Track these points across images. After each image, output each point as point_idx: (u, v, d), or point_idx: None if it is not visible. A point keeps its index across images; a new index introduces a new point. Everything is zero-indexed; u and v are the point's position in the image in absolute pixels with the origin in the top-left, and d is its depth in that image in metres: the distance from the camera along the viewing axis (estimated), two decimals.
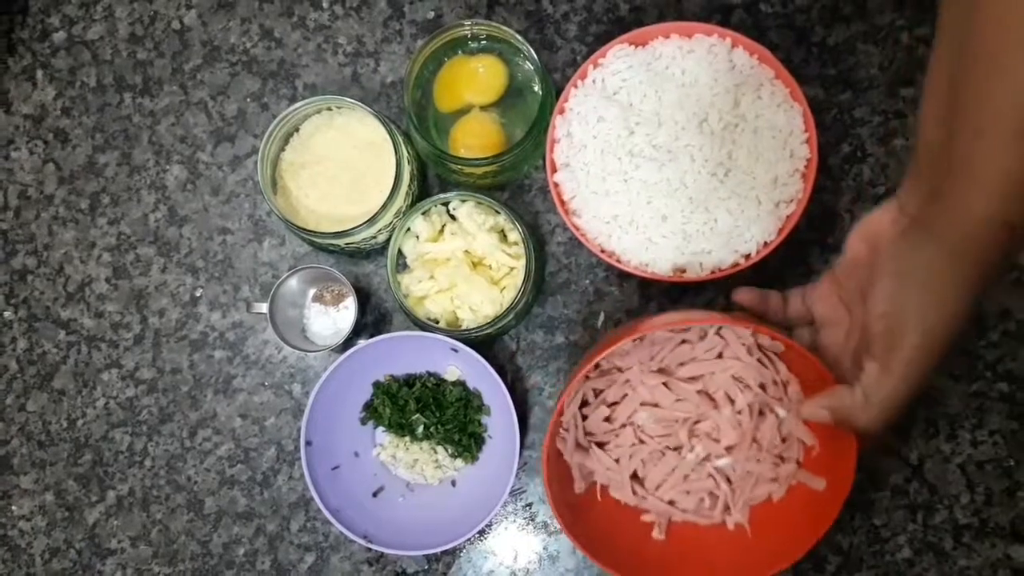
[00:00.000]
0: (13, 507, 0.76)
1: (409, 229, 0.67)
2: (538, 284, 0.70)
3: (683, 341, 0.60)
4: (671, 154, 0.61)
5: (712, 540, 0.62)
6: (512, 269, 0.67)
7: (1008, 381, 0.68)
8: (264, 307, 0.70)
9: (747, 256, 0.62)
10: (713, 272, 0.62)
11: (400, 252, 0.68)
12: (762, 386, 0.59)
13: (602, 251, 0.63)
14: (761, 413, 0.60)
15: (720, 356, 0.60)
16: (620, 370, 0.62)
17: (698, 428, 0.61)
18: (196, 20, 0.78)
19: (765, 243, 0.61)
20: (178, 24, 0.78)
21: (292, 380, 0.75)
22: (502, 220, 0.67)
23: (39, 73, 0.79)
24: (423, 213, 0.67)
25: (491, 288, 0.66)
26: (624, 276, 0.71)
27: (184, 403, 0.75)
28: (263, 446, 0.74)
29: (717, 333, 0.59)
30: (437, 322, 0.66)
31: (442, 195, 0.67)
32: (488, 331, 0.65)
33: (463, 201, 0.66)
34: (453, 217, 0.68)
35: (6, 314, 0.77)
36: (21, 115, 0.79)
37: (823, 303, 0.57)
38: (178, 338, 0.76)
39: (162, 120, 0.77)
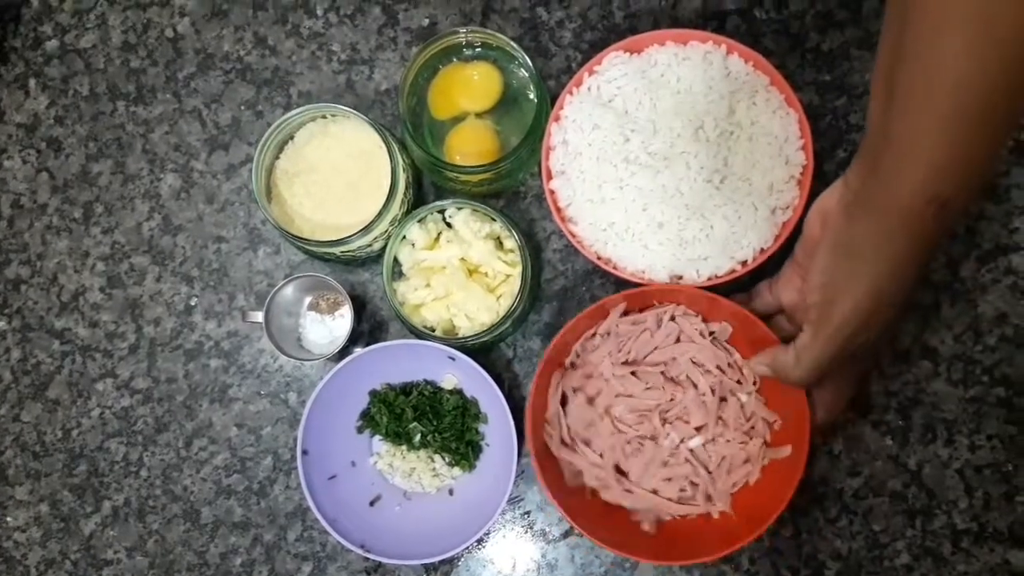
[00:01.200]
0: (8, 518, 0.75)
1: (405, 237, 0.67)
2: (534, 291, 0.70)
3: (643, 331, 0.65)
4: (667, 161, 0.61)
5: (699, 526, 0.65)
6: (508, 277, 0.67)
7: (1005, 386, 0.68)
8: (259, 316, 0.70)
9: (744, 263, 0.61)
10: (710, 279, 0.62)
11: (396, 260, 0.68)
12: (719, 368, 0.64)
13: (598, 258, 0.63)
14: (724, 399, 0.64)
15: (678, 340, 0.65)
16: (594, 364, 0.65)
17: (669, 414, 0.64)
18: (189, 28, 0.78)
19: (762, 250, 0.61)
20: (171, 32, 0.78)
21: (288, 389, 0.74)
22: (498, 228, 0.66)
23: (32, 82, 0.78)
24: (419, 221, 0.67)
25: (487, 296, 0.66)
26: (621, 283, 0.71)
27: (179, 413, 0.75)
28: (259, 455, 0.74)
29: (672, 319, 0.64)
30: (433, 330, 0.66)
31: (438, 203, 0.66)
32: (485, 339, 0.65)
33: (459, 209, 0.66)
34: (449, 225, 0.68)
35: (0, 324, 0.77)
36: (14, 124, 0.78)
37: (788, 289, 0.59)
38: (173, 347, 0.75)
39: (156, 128, 0.77)
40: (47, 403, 0.76)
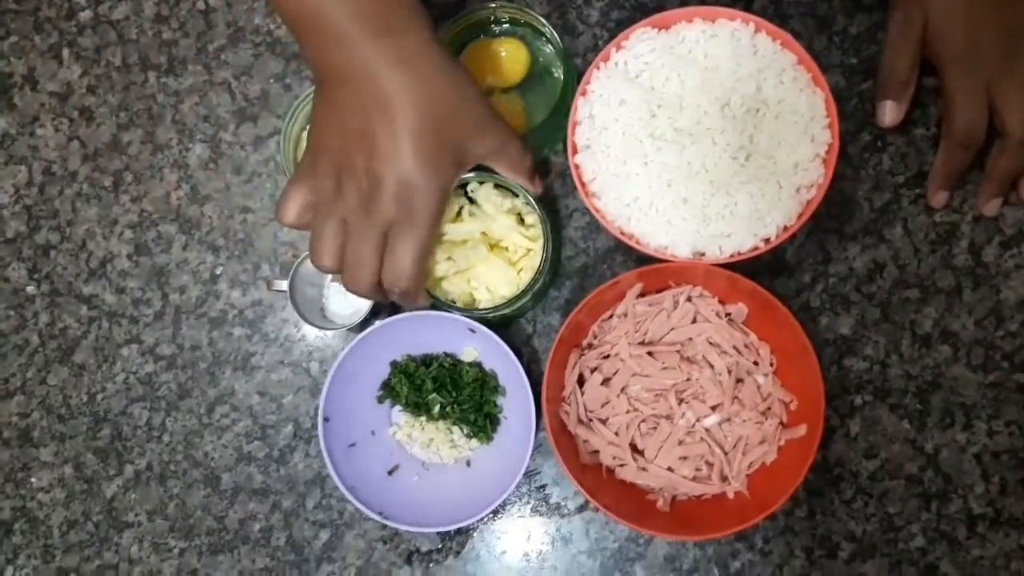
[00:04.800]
0: (32, 479, 0.77)
1: None
2: (555, 266, 0.71)
3: (660, 312, 0.66)
4: (692, 137, 0.61)
5: (713, 506, 0.65)
6: (529, 251, 0.67)
7: None
8: (284, 285, 0.71)
9: (767, 240, 0.62)
10: (732, 256, 0.62)
11: None
12: (736, 349, 0.65)
13: (622, 233, 0.63)
14: (740, 380, 0.65)
15: (694, 321, 0.66)
16: (611, 345, 0.66)
17: (685, 393, 0.65)
18: (221, 1, 0.79)
19: (785, 227, 0.61)
20: (203, 4, 0.79)
21: (310, 359, 0.75)
22: (519, 202, 0.67)
23: (65, 51, 0.80)
24: None
25: (508, 269, 0.66)
26: (642, 261, 0.72)
27: (203, 379, 0.76)
28: (280, 423, 0.75)
29: (688, 300, 0.66)
30: (454, 303, 0.67)
31: (461, 176, 0.66)
32: (505, 311, 0.66)
33: (481, 183, 0.66)
34: (471, 200, 0.68)
35: (29, 289, 0.78)
36: (47, 92, 0.79)
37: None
38: (198, 315, 0.76)
39: (186, 99, 0.78)
40: (73, 367, 0.77)
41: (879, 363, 0.69)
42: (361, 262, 0.55)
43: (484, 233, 0.66)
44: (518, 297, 0.64)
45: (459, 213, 0.67)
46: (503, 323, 0.72)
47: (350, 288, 0.57)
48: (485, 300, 0.67)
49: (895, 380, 0.69)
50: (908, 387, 0.69)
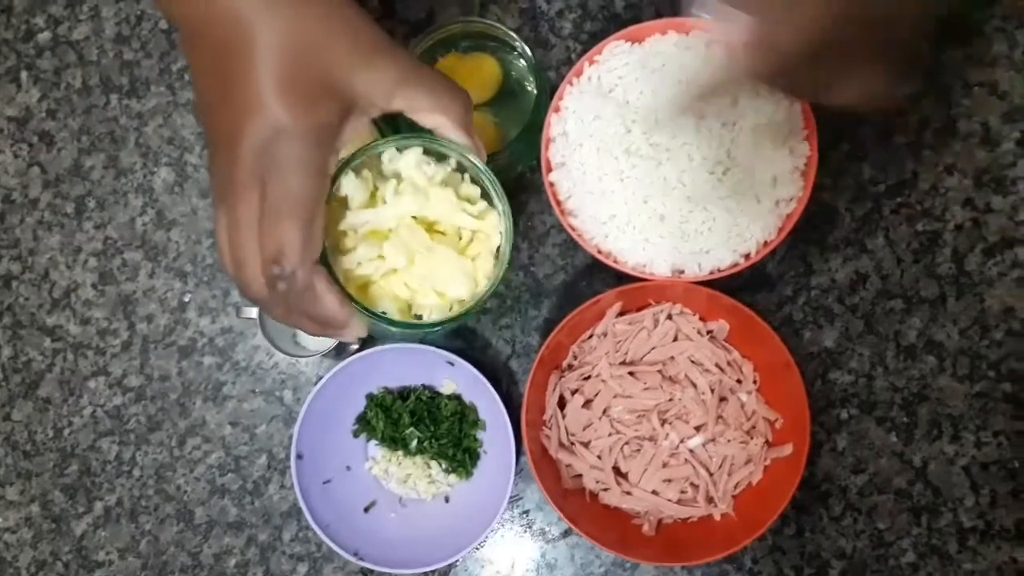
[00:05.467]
0: None
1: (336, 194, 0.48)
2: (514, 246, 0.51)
3: (640, 331, 0.64)
4: (668, 152, 0.60)
5: (700, 528, 0.64)
6: (474, 234, 0.50)
7: (1012, 381, 0.66)
8: (253, 312, 0.69)
9: (747, 256, 0.60)
10: (712, 272, 0.60)
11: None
12: (718, 367, 0.63)
13: (599, 252, 0.62)
14: (724, 399, 0.63)
15: (675, 339, 0.64)
16: (591, 366, 0.64)
17: (668, 414, 0.63)
18: None
19: (765, 242, 0.60)
20: (165, 24, 0.77)
21: (283, 387, 0.73)
22: (452, 168, 0.49)
23: (23, 74, 0.77)
24: (353, 170, 0.46)
25: (461, 260, 0.49)
26: (622, 278, 0.70)
27: (173, 411, 0.74)
28: (254, 454, 0.73)
29: (669, 318, 0.64)
30: (385, 315, 0.48)
31: (375, 143, 0.47)
32: (461, 318, 0.49)
33: (401, 150, 0.47)
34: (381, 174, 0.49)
35: None
36: (5, 117, 0.77)
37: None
38: (166, 344, 0.74)
39: (149, 121, 0.76)
40: (38, 401, 0.75)
41: (864, 376, 0.68)
42: (241, 249, 0.41)
43: (415, 216, 0.48)
44: (482, 298, 0.48)
45: (374, 194, 0.49)
46: (463, 334, 0.70)
47: (246, 294, 0.42)
48: (433, 307, 0.49)
49: (881, 392, 0.68)
50: (894, 399, 0.68)
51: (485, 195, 0.49)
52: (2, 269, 0.76)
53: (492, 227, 0.49)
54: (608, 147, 0.61)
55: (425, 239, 0.48)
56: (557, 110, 0.63)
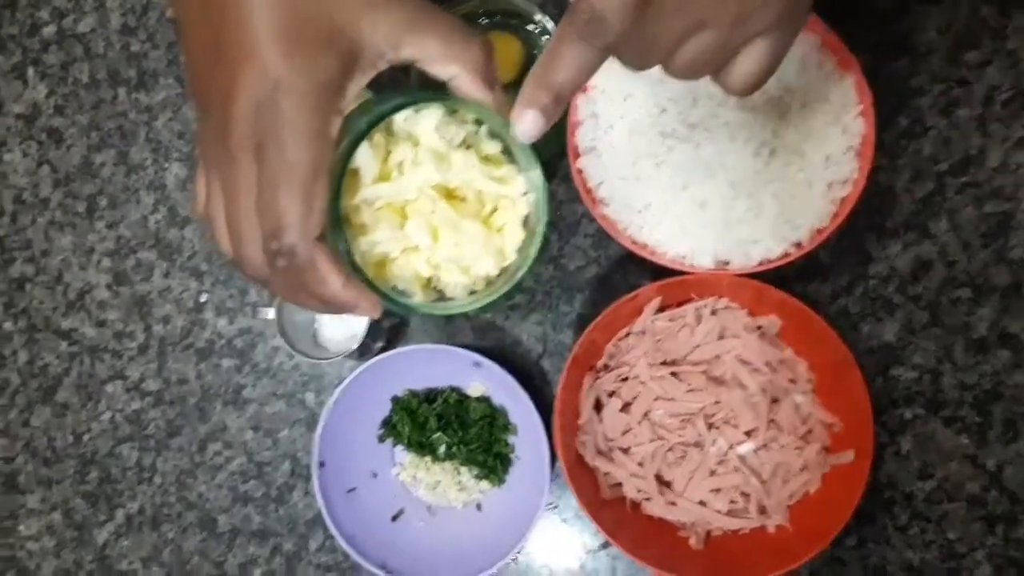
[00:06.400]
0: (20, 527, 0.72)
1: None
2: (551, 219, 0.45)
3: (682, 327, 0.59)
4: (708, 133, 0.55)
5: (752, 541, 0.59)
6: (498, 199, 0.44)
7: None
8: (271, 312, 0.65)
9: (798, 244, 0.55)
10: (760, 263, 0.55)
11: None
12: (769, 366, 0.58)
13: (633, 243, 0.57)
14: (776, 400, 0.58)
15: (721, 336, 0.59)
16: (629, 366, 0.60)
17: (715, 418, 0.59)
18: None
19: (818, 230, 0.55)
20: (171, 12, 0.73)
21: (305, 389, 0.70)
22: (471, 128, 0.43)
23: (30, 70, 0.74)
24: (367, 139, 0.41)
25: (487, 233, 0.43)
26: (659, 271, 0.65)
27: (192, 415, 0.71)
28: (277, 460, 0.70)
29: (713, 313, 0.59)
30: (405, 296, 0.43)
31: (386, 103, 0.41)
32: (493, 298, 0.43)
33: (418, 109, 0.42)
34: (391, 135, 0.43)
35: (6, 325, 0.73)
36: (13, 115, 0.75)
37: None
38: (184, 346, 0.71)
39: (159, 115, 0.73)
40: (56, 407, 0.73)
41: (930, 372, 0.62)
42: (239, 222, 0.36)
43: (437, 186, 0.43)
44: (511, 272, 0.43)
45: (386, 159, 0.43)
46: (492, 323, 0.64)
47: (246, 272, 0.38)
48: (457, 284, 0.44)
49: (949, 391, 0.62)
50: (964, 398, 0.62)
51: (508, 154, 0.43)
52: (16, 271, 0.74)
53: (518, 192, 0.43)
54: (641, 129, 0.56)
55: (450, 214, 0.42)
56: (585, 90, 0.58)
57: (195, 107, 0.40)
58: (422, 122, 0.42)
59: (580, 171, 0.58)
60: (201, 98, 0.37)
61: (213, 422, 0.71)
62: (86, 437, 0.72)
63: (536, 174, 0.41)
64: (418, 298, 0.43)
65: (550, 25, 0.59)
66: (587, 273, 0.67)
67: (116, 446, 0.72)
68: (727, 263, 0.56)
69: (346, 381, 0.60)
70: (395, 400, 0.66)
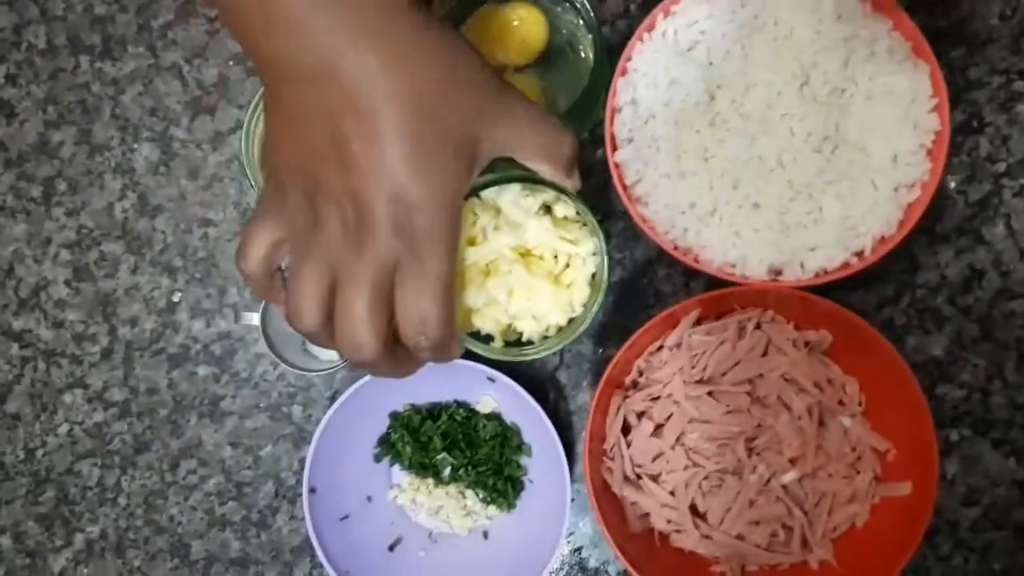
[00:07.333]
0: None
1: None
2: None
3: (722, 342, 0.54)
4: (763, 126, 0.49)
5: None
6: (570, 257, 0.50)
7: None
8: (255, 317, 0.58)
9: (860, 253, 0.50)
10: (818, 275, 0.50)
11: None
12: (817, 386, 0.54)
13: (675, 248, 0.51)
14: (823, 423, 0.54)
15: (765, 353, 0.54)
16: (661, 384, 0.55)
17: (756, 443, 0.54)
18: None
19: (883, 238, 0.49)
20: None
21: (292, 401, 0.63)
22: (549, 196, 0.50)
23: None
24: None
25: (556, 290, 0.50)
26: (692, 274, 0.59)
27: (163, 429, 0.64)
28: (258, 480, 0.63)
29: (757, 327, 0.54)
30: (490, 339, 0.51)
31: (480, 179, 0.47)
32: (559, 345, 0.50)
33: (500, 185, 0.49)
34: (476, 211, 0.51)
35: None
36: None
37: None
38: (154, 352, 0.64)
39: (127, 89, 0.66)
40: (6, 418, 0.65)
41: (979, 390, 0.58)
42: (357, 315, 0.40)
43: (514, 248, 0.49)
44: (578, 322, 0.49)
45: (474, 224, 0.51)
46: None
47: (348, 353, 0.41)
48: (531, 331, 0.51)
49: (998, 410, 0.58)
50: (1015, 418, 0.58)
51: (579, 217, 0.50)
52: None
53: (588, 252, 0.49)
54: (688, 119, 0.50)
55: (524, 276, 0.49)
56: (624, 73, 0.52)
57: (273, 170, 0.42)
58: (504, 196, 0.49)
59: (618, 165, 0.51)
60: (311, 180, 0.39)
61: (187, 437, 0.64)
62: (40, 452, 0.65)
63: (600, 239, 0.48)
64: (498, 342, 0.50)
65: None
66: (611, 277, 0.61)
67: (75, 463, 0.65)
68: (780, 272, 0.51)
69: (341, 399, 0.53)
70: (394, 416, 0.59)
